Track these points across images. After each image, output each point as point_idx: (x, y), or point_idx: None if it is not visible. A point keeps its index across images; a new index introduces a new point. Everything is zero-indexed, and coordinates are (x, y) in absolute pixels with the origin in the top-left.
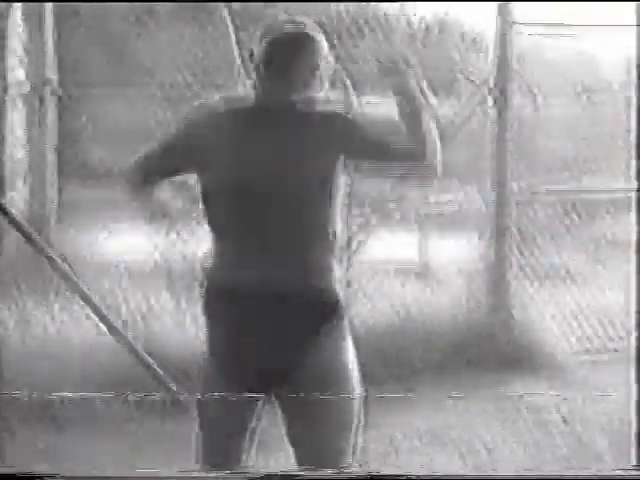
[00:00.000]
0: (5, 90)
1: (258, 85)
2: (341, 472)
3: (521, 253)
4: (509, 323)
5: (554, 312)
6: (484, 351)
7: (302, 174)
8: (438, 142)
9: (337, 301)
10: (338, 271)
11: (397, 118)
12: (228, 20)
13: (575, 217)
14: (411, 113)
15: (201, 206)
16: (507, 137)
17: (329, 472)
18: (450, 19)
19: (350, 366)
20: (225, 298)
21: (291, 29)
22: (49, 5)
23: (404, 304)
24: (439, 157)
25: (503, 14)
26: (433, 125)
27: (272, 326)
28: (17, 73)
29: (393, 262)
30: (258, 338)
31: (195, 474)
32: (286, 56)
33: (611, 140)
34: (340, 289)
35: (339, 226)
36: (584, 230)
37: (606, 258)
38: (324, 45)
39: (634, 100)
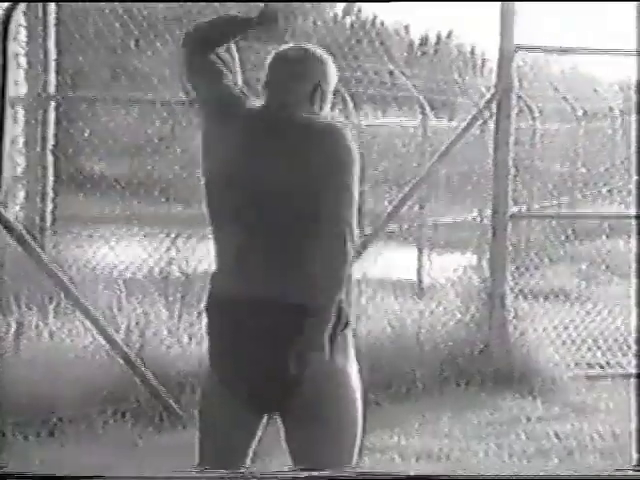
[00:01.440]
0: (6, 102)
1: (262, 99)
2: (340, 472)
3: (518, 271)
4: (504, 340)
5: (549, 330)
6: (480, 368)
7: (303, 185)
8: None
9: (341, 313)
10: (345, 282)
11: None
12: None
13: (571, 237)
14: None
15: (207, 214)
16: (505, 156)
17: (329, 472)
18: (452, 38)
19: (353, 378)
20: (227, 308)
21: (294, 48)
22: (52, 19)
23: (400, 320)
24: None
25: (505, 35)
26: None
27: (275, 338)
28: (19, 87)
29: (390, 279)
30: (260, 351)
31: (195, 474)
32: (285, 72)
33: (609, 163)
34: (345, 301)
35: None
36: (580, 250)
37: (601, 278)
38: (327, 65)
39: (634, 125)
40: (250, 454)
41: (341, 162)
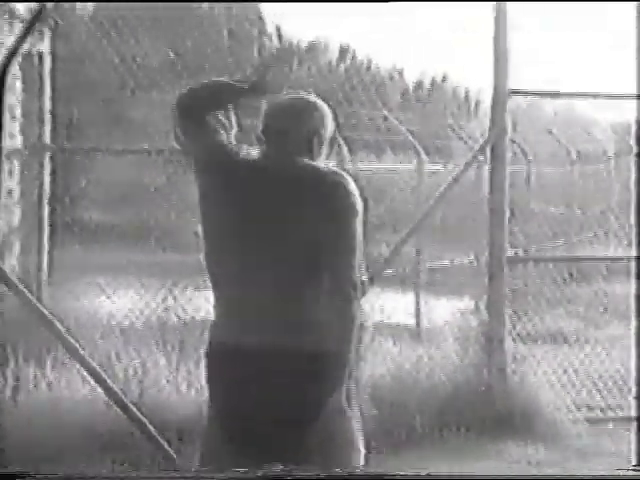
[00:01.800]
0: (2, 154)
1: (260, 148)
2: (341, 472)
3: (515, 314)
4: (504, 384)
5: (549, 373)
6: (479, 412)
7: (302, 233)
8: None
9: (344, 362)
10: (355, 335)
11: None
12: None
13: (569, 280)
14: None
15: (204, 262)
16: (501, 200)
17: (328, 472)
18: (446, 82)
19: (357, 426)
20: (230, 357)
21: (291, 97)
22: (47, 69)
23: (399, 365)
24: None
25: (498, 79)
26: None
27: (277, 388)
28: (14, 139)
29: (389, 323)
30: (262, 400)
31: (195, 474)
32: (284, 121)
33: (605, 205)
34: (349, 350)
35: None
36: (578, 292)
37: (600, 321)
38: (324, 112)
39: (629, 166)
40: None
41: (346, 211)
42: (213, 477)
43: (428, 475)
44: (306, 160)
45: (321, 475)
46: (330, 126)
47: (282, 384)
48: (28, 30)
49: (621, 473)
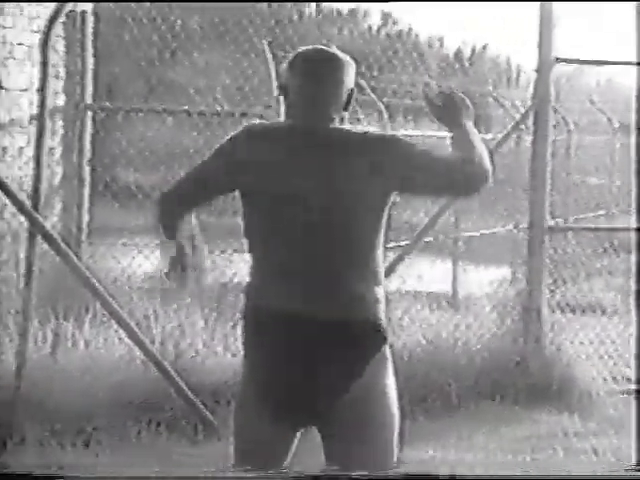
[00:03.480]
0: (46, 112)
1: (292, 107)
2: (343, 473)
3: (554, 284)
4: (540, 353)
5: (586, 343)
6: (515, 382)
7: (352, 201)
8: (488, 164)
9: (380, 330)
10: (383, 301)
11: (449, 147)
12: (267, 51)
13: (608, 250)
14: (466, 142)
15: (242, 226)
16: (542, 169)
17: (329, 472)
18: (487, 51)
19: (390, 395)
20: (266, 321)
21: (319, 49)
22: (90, 30)
23: (436, 333)
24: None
25: (543, 46)
26: (485, 151)
27: (315, 353)
28: (57, 98)
29: (426, 291)
30: (300, 365)
31: (202, 474)
32: (318, 76)
33: None
34: (384, 319)
35: (382, 255)
36: (617, 263)
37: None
38: (350, 65)
39: None
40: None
41: (391, 170)
42: (213, 477)
43: (430, 475)
44: (338, 117)
45: (327, 475)
46: (353, 80)
47: (318, 349)
48: None
49: (621, 473)
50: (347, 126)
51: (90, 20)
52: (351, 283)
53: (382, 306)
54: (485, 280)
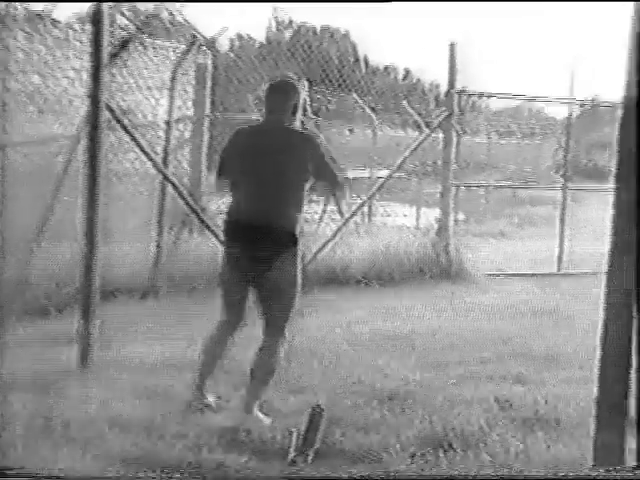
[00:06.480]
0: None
1: (262, 113)
2: (342, 473)
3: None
4: (447, 253)
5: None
6: (431, 268)
7: (288, 168)
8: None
9: (295, 236)
10: (300, 222)
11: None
12: None
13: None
14: (335, 168)
15: (229, 181)
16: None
17: (328, 472)
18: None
19: (298, 274)
20: (235, 228)
21: (279, 79)
22: (210, 72)
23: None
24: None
25: (450, 82)
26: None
27: (259, 245)
28: (185, 110)
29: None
30: (251, 251)
31: (200, 474)
32: (275, 96)
33: None
34: (299, 230)
35: (304, 200)
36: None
37: None
38: (299, 89)
39: None
40: (246, 307)
41: (313, 149)
42: (214, 477)
43: (430, 475)
44: (288, 121)
45: (325, 476)
46: (305, 97)
47: (260, 243)
48: (189, 49)
49: (621, 473)
50: (292, 126)
51: (210, 67)
52: (283, 210)
53: (299, 224)
54: (432, 218)
